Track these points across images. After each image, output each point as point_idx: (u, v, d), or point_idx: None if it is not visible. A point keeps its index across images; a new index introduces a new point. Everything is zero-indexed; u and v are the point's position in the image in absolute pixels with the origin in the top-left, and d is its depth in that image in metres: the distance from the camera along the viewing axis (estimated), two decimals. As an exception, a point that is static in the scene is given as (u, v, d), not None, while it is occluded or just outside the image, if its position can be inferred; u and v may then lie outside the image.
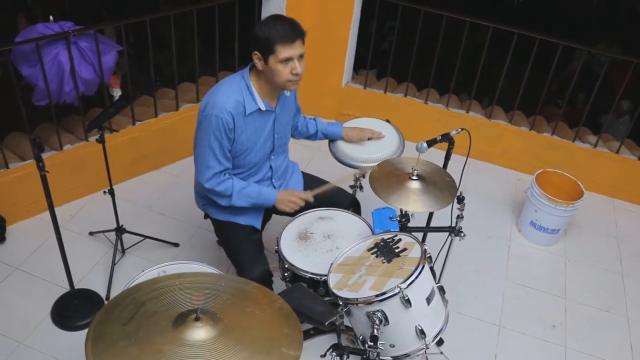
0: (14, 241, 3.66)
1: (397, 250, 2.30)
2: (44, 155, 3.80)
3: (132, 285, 2.38)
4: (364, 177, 3.21)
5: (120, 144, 3.98)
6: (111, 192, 3.32)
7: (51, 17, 6.64)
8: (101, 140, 3.04)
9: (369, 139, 3.10)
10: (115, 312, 1.79)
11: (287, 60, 2.42)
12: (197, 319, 1.70)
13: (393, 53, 4.84)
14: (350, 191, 3.27)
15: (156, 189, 4.16)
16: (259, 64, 2.47)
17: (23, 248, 3.62)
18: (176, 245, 3.66)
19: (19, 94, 3.46)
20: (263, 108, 2.57)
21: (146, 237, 3.58)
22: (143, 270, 2.50)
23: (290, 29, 2.40)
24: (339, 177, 3.01)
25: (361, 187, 3.31)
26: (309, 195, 2.71)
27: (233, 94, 2.52)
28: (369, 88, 4.94)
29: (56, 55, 3.55)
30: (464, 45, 4.45)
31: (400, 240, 2.37)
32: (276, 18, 2.45)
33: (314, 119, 3.09)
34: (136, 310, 1.78)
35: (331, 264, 2.39)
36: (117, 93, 6.27)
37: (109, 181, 3.30)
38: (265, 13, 4.54)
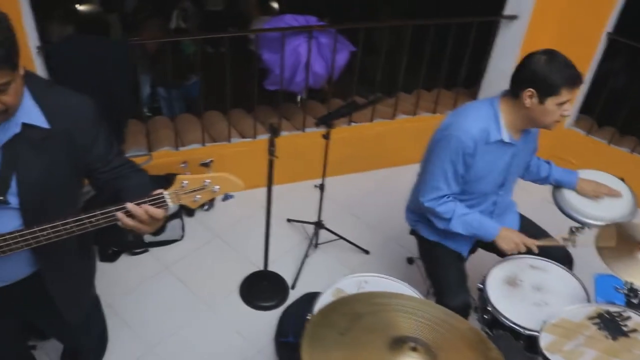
0: (220, 210, 3.88)
1: (625, 329, 2.08)
2: (262, 137, 4.00)
3: (333, 289, 2.43)
4: (581, 232, 2.98)
5: (332, 141, 4.05)
6: (321, 187, 3.39)
7: (276, 5, 6.99)
8: (327, 137, 3.10)
9: (602, 197, 2.85)
10: (332, 318, 1.79)
11: (564, 102, 2.33)
12: (413, 349, 1.65)
13: (622, 99, 4.44)
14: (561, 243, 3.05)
15: (358, 191, 4.20)
16: (528, 101, 2.35)
17: (227, 218, 3.84)
18: (366, 252, 3.66)
19: (256, 76, 3.67)
20: (506, 140, 2.46)
21: (341, 237, 3.62)
22: (345, 276, 2.51)
23: (577, 74, 2.32)
24: (554, 227, 2.81)
25: (574, 243, 3.07)
26: (534, 245, 2.55)
27: (480, 120, 2.44)
28: (592, 135, 4.60)
29: (297, 46, 3.71)
30: None
31: (629, 317, 2.14)
32: (563, 59, 2.33)
33: (548, 163, 2.92)
34: (353, 321, 1.77)
35: (544, 321, 2.22)
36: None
37: (322, 176, 3.36)
38: (501, 40, 4.38)
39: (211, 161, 1.73)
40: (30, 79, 1.68)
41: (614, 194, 2.85)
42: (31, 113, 1.64)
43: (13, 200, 1.66)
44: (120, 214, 1.61)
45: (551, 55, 2.34)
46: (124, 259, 3.55)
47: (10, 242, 1.63)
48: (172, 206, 1.69)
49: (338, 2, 7.12)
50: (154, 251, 3.59)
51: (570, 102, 2.37)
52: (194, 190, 1.66)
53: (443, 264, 2.74)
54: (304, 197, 3.94)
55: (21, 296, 1.95)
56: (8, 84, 1.49)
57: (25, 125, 1.63)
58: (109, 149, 1.85)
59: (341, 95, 4.76)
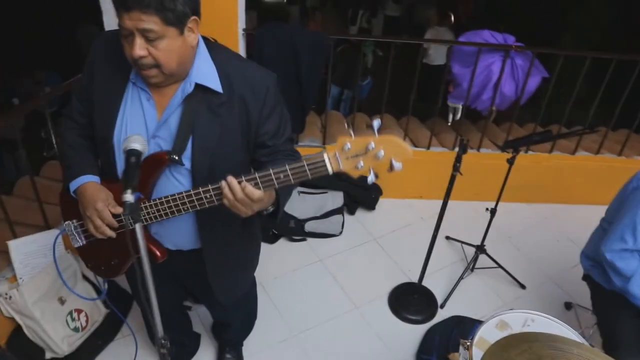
0: (380, 214, 3.91)
1: None
2: (435, 149, 3.96)
3: (497, 320, 2.34)
4: None
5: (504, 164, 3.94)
6: (492, 212, 3.28)
7: (453, 18, 6.88)
8: (511, 162, 3.00)
9: None
10: (511, 352, 1.72)
11: None
12: (594, 406, 1.55)
13: None
14: None
15: (523, 222, 4.04)
16: None
17: (386, 223, 3.85)
18: (523, 287, 3.50)
19: (442, 88, 3.64)
20: None
21: (500, 266, 3.49)
22: (512, 309, 2.41)
23: None
24: None
25: None
26: None
27: None
28: None
29: (490, 64, 3.62)
30: None
31: None
32: None
33: None
34: (532, 362, 1.69)
35: None
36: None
37: (496, 200, 3.26)
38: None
39: (380, 124, 1.46)
40: (217, 48, 1.71)
41: None
42: (205, 75, 1.65)
43: (186, 162, 1.69)
44: (224, 184, 1.53)
45: None
46: (282, 243, 3.67)
47: (179, 202, 1.65)
48: (331, 171, 1.46)
49: (528, 23, 6.89)
50: (311, 241, 3.68)
51: None
52: (357, 155, 1.43)
53: (620, 318, 2.52)
54: (465, 216, 3.85)
55: (184, 265, 2.03)
56: (156, 35, 1.48)
57: (199, 88, 1.64)
58: (282, 130, 1.79)
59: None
